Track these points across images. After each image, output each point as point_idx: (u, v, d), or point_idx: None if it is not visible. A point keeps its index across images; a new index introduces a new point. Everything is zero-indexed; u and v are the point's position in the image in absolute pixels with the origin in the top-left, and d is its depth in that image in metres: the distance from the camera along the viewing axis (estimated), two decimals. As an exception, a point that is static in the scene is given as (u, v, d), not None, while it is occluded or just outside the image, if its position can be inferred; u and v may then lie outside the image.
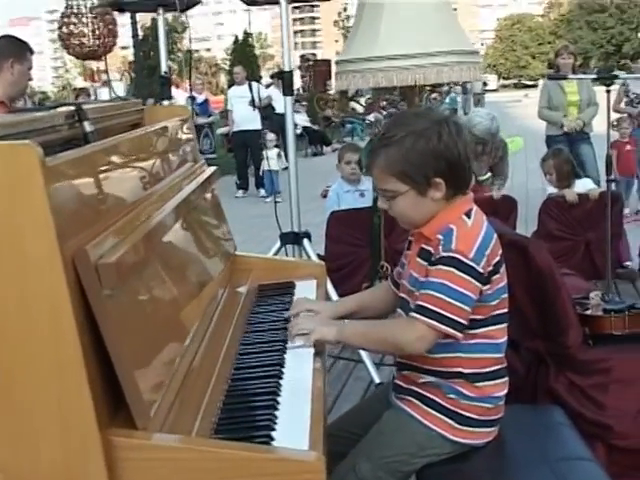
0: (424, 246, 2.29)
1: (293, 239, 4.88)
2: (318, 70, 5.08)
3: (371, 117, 14.56)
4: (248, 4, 4.92)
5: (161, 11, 4.85)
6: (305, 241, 4.87)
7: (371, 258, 5.59)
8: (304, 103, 22.29)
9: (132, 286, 1.75)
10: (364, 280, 5.64)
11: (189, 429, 1.76)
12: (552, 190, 6.92)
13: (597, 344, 3.34)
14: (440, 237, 2.21)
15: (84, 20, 6.46)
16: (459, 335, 2.20)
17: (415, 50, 4.49)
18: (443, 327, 2.17)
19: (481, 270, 2.19)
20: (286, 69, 4.71)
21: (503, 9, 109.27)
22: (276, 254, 4.78)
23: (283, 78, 4.74)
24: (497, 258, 2.27)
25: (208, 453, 1.59)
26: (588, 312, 3.50)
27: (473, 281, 2.17)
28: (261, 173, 13.61)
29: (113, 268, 1.60)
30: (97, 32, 6.46)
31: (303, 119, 20.38)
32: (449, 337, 2.19)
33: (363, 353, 4.62)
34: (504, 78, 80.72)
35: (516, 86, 73.17)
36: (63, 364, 1.53)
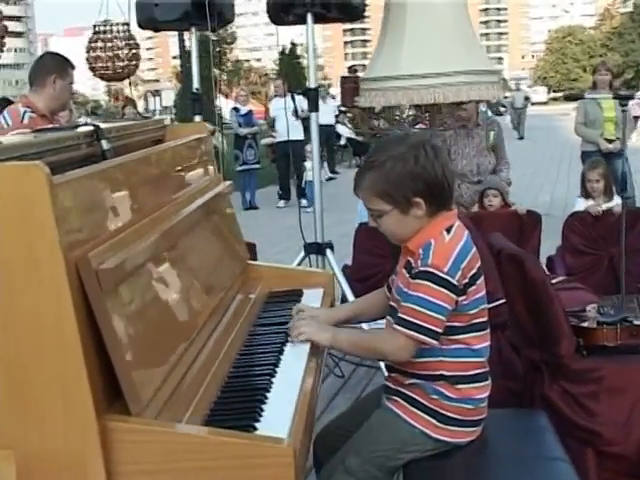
0: (409, 258, 2.50)
1: (317, 249, 5.08)
2: (346, 86, 5.22)
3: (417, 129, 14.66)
4: (277, 24, 5.13)
5: (193, 30, 5.08)
6: (328, 251, 5.06)
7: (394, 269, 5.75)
8: (349, 114, 22.42)
9: (131, 289, 1.97)
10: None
11: (180, 418, 1.97)
12: (584, 204, 6.91)
13: (590, 354, 3.51)
14: (420, 251, 2.42)
15: (109, 45, 6.77)
16: (435, 342, 2.41)
17: (435, 69, 4.67)
18: (421, 337, 2.38)
19: (456, 282, 2.39)
20: (311, 86, 4.92)
21: (554, 21, 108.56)
22: (299, 264, 4.98)
23: (308, 95, 4.95)
24: (473, 271, 2.45)
25: (191, 437, 1.81)
26: (585, 324, 3.66)
27: (448, 293, 2.38)
28: (303, 184, 13.80)
29: (112, 273, 1.83)
30: (121, 56, 6.77)
31: (348, 131, 20.56)
32: (426, 344, 2.40)
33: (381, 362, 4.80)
34: (554, 91, 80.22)
35: (567, 99, 72.62)
36: (66, 358, 1.75)
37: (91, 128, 2.46)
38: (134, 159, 2.38)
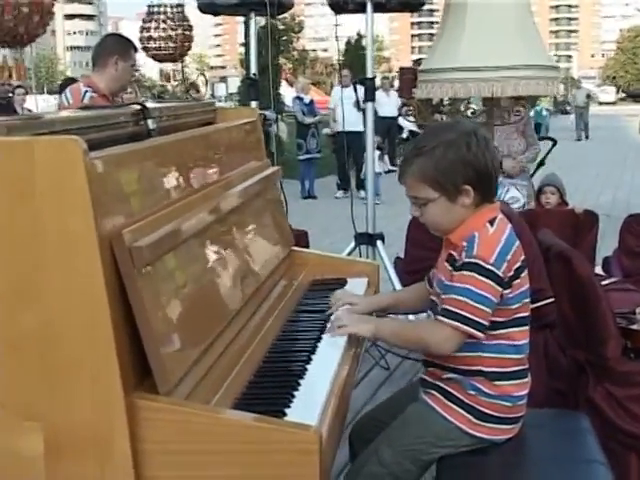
0: (451, 252, 2.46)
1: (367, 240, 5.06)
2: (404, 78, 5.17)
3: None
4: (337, 13, 5.11)
5: (252, 15, 5.08)
6: (378, 242, 5.04)
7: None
8: (411, 106, 22.27)
9: (165, 269, 1.97)
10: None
11: (210, 400, 1.97)
12: None
13: (638, 358, 3.43)
14: (464, 244, 2.38)
15: (162, 26, 6.82)
16: (481, 335, 2.36)
17: (494, 63, 4.62)
18: (467, 328, 2.33)
19: (501, 274, 2.34)
20: (369, 76, 4.90)
21: (626, 20, 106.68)
22: (350, 254, 4.96)
23: (366, 84, 4.92)
24: (518, 264, 2.41)
25: (217, 419, 1.80)
26: (634, 327, 3.58)
27: (493, 284, 2.33)
28: (362, 175, 13.75)
29: (146, 251, 1.83)
30: (174, 37, 6.82)
31: (410, 123, 20.45)
32: (472, 337, 2.36)
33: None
34: (623, 91, 78.93)
35: (636, 100, 71.42)
36: (96, 334, 1.76)
37: (138, 107, 2.46)
38: (175, 139, 2.38)
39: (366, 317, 2.69)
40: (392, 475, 2.49)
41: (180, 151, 2.37)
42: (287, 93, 21.64)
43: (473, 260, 2.34)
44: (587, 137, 27.97)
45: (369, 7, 4.79)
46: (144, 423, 1.79)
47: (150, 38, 6.73)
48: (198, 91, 13.86)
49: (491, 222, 2.42)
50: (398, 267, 5.44)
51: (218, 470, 1.80)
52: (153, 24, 6.75)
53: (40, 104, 17.03)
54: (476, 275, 2.33)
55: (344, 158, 14.70)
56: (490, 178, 2.43)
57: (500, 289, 2.36)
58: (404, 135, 21.49)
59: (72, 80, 11.22)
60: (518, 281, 2.42)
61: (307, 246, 4.59)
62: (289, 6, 5.11)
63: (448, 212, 2.44)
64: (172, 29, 6.85)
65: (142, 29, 6.94)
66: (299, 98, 15.40)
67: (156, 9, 6.84)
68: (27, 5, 10.23)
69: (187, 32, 6.97)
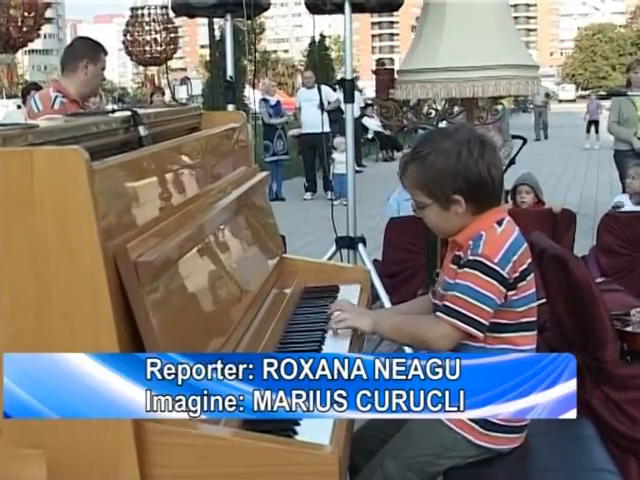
0: (457, 252, 2.40)
1: (348, 243, 4.99)
2: (381, 78, 5.11)
3: (444, 124, 14.56)
4: (313, 13, 5.04)
5: (229, 17, 5.00)
6: (360, 246, 4.97)
7: (426, 265, 5.66)
8: (383, 107, 22.23)
9: (169, 283, 1.88)
10: (420, 287, 5.70)
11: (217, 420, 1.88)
12: (630, 206, 6.82)
13: (635, 360, 3.39)
14: (470, 243, 2.33)
15: (147, 28, 6.70)
16: (480, 335, 2.30)
17: (475, 63, 4.56)
18: (465, 326, 2.28)
19: (506, 275, 2.29)
20: (347, 77, 4.84)
21: (584, 18, 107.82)
22: (330, 258, 4.89)
23: (344, 86, 4.86)
24: (524, 266, 2.35)
25: (228, 441, 1.71)
26: (629, 329, 3.55)
27: (496, 284, 2.28)
28: (331, 177, 13.69)
29: (151, 266, 1.74)
30: (159, 40, 6.70)
31: (375, 124, 20.44)
32: (472, 337, 2.30)
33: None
34: (583, 89, 79.69)
35: (602, 99, 71.93)
36: (101, 351, 1.66)
37: (128, 114, 2.37)
38: (175, 146, 2.29)
39: (364, 310, 2.69)
40: (397, 489, 2.42)
41: (180, 158, 2.28)
42: (250, 96, 21.54)
43: (477, 258, 2.29)
44: (546, 137, 27.96)
45: (347, 8, 4.72)
46: (153, 447, 1.70)
47: (134, 42, 6.59)
48: (163, 94, 13.76)
49: (499, 222, 2.37)
50: (377, 270, 5.38)
51: (233, 495, 1.72)
52: (137, 27, 6.62)
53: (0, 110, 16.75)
54: (479, 273, 2.28)
55: (310, 160, 14.66)
56: (485, 187, 2.36)
57: (504, 290, 2.31)
58: (369, 136, 21.50)
59: (35, 85, 11.06)
60: (524, 283, 2.36)
61: (285, 251, 4.51)
62: (266, 7, 5.03)
63: (443, 218, 2.40)
64: (157, 32, 6.72)
65: (126, 32, 6.80)
66: (264, 100, 15.30)
67: (140, 12, 6.71)
68: (19, 7, 10.03)
69: (172, 34, 6.84)
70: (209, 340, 2.07)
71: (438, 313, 2.34)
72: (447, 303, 2.32)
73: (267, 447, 1.71)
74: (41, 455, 1.69)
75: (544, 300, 3.55)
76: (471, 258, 2.30)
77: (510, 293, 2.33)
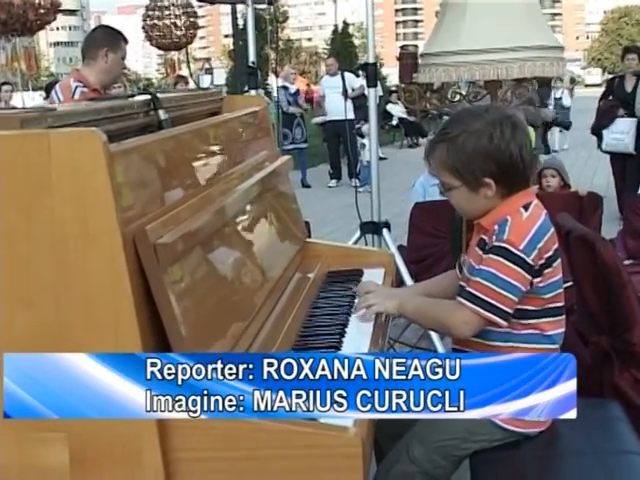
0: (482, 236, 2.36)
1: (373, 229, 4.96)
2: (405, 63, 5.07)
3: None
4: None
5: (250, 2, 4.97)
6: (384, 231, 4.94)
7: (452, 250, 5.62)
8: (407, 92, 22.12)
9: (189, 265, 1.87)
10: (445, 272, 5.66)
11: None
12: None
13: (662, 342, 3.34)
14: (496, 227, 2.29)
15: (167, 13, 6.66)
16: (503, 323, 2.27)
17: (498, 45, 4.51)
18: (487, 314, 2.25)
19: (531, 262, 2.25)
20: (370, 61, 4.81)
21: (610, 1, 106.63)
22: (355, 243, 4.86)
23: (367, 70, 4.82)
24: (550, 252, 2.31)
25: (251, 424, 1.69)
26: (658, 310, 3.49)
27: (521, 271, 2.24)
28: (363, 163, 13.62)
29: (171, 248, 1.72)
30: (179, 24, 6.66)
31: (399, 110, 20.36)
32: (494, 324, 2.27)
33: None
34: (609, 72, 78.96)
35: None
36: (122, 335, 1.66)
37: (148, 97, 2.36)
38: (195, 129, 2.28)
39: (391, 293, 2.65)
40: (424, 472, 2.40)
41: (200, 142, 2.27)
42: (273, 84, 21.53)
43: (502, 244, 2.25)
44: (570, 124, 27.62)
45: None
46: (175, 431, 1.69)
47: (154, 27, 6.56)
48: (187, 83, 13.76)
49: (525, 207, 2.32)
50: (402, 256, 5.35)
51: (258, 478, 1.70)
52: (157, 12, 6.59)
53: (27, 102, 16.84)
54: (503, 260, 2.24)
55: (334, 147, 14.62)
56: (516, 170, 2.31)
57: (529, 277, 2.27)
58: (394, 122, 21.41)
59: (57, 82, 11.06)
60: (550, 270, 2.33)
61: (309, 236, 4.49)
62: (286, -8, 5.02)
63: (471, 201, 2.36)
64: (176, 16, 6.69)
65: (146, 17, 6.78)
66: (284, 87, 15.26)
67: (159, -5, 6.75)
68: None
69: (192, 18, 6.81)
70: (231, 324, 2.05)
71: (461, 299, 2.30)
72: (470, 289, 2.28)
73: (290, 429, 1.69)
74: (64, 439, 1.69)
75: (571, 283, 3.52)
76: (496, 244, 2.26)
77: (536, 280, 2.30)
